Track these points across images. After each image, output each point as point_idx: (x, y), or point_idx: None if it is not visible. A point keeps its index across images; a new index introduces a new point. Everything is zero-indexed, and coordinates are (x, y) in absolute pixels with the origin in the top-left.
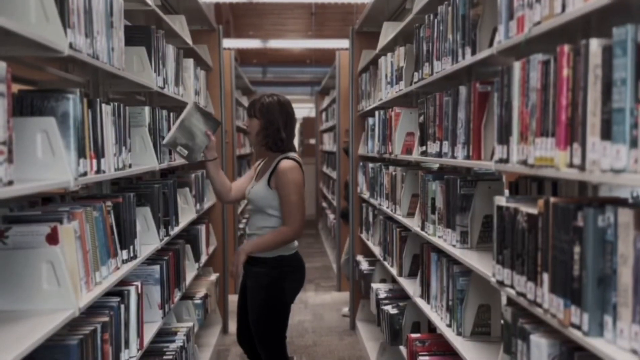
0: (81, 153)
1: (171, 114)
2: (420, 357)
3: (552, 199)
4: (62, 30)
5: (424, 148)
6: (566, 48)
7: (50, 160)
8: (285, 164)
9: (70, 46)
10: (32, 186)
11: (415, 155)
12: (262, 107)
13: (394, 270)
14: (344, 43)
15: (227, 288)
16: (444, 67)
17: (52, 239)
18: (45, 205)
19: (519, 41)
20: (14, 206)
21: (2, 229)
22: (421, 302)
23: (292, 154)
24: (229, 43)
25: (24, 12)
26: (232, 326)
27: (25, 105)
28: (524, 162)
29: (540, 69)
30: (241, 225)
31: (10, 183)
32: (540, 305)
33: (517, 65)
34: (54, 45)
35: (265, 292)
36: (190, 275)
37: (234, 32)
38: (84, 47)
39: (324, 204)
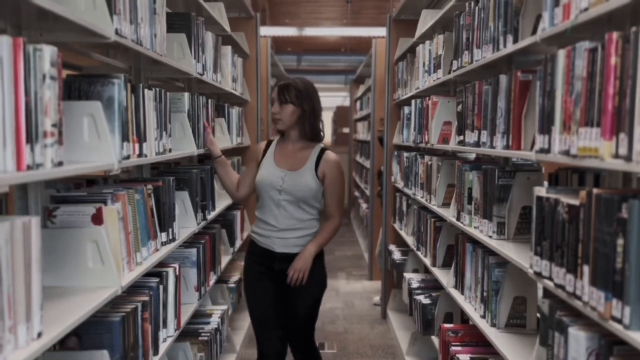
0: (125, 137)
1: (209, 101)
2: (453, 347)
3: (595, 190)
4: (109, 17)
5: (461, 137)
6: (615, 35)
7: (96, 143)
8: (334, 155)
9: (116, 32)
10: (79, 167)
11: (452, 145)
12: (300, 92)
13: (427, 260)
14: (380, 31)
15: None
16: (484, 55)
17: (97, 219)
18: (90, 187)
19: (564, 28)
20: (60, 187)
21: (50, 209)
22: (455, 293)
23: (324, 145)
24: (265, 31)
25: None
26: None
27: (73, 90)
28: (567, 153)
29: (586, 57)
30: None
31: (60, 164)
32: (579, 298)
33: (561, 53)
34: (101, 31)
35: (317, 285)
36: (225, 259)
37: (270, 20)
38: (129, 33)
39: (357, 193)
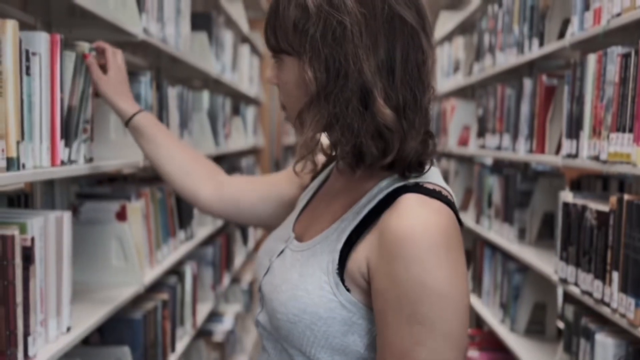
0: None
1: (226, 100)
2: (470, 353)
3: (626, 196)
4: (138, 15)
5: (481, 141)
6: None
7: (122, 139)
8: (414, 214)
9: (144, 31)
10: (110, 164)
11: (472, 148)
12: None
13: None
14: None
15: None
16: (508, 58)
17: (121, 216)
18: (111, 184)
19: (594, 33)
20: (84, 183)
21: (75, 205)
22: (472, 298)
23: (432, 174)
24: None
25: None
26: None
27: None
28: (596, 158)
29: (619, 62)
30: None
31: (90, 160)
32: (608, 305)
33: (592, 58)
34: (130, 29)
35: None
36: (239, 259)
37: None
38: (155, 32)
39: None
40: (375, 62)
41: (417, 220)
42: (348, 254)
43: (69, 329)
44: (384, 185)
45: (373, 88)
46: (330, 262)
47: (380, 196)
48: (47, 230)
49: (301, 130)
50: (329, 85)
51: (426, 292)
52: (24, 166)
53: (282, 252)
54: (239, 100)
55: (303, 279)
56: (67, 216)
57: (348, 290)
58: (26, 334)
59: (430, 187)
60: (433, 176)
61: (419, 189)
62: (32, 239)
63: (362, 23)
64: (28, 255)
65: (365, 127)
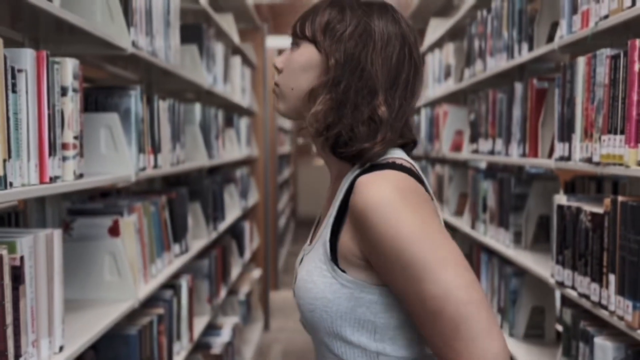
0: (141, 148)
1: (218, 112)
2: None
3: (620, 198)
4: (126, 29)
5: (474, 146)
6: (638, 42)
7: (113, 154)
8: (374, 182)
9: (133, 44)
10: (100, 179)
11: (465, 153)
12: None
13: None
14: None
15: (269, 285)
16: (498, 63)
17: (114, 231)
18: (103, 199)
19: (583, 36)
20: (75, 199)
21: (67, 221)
22: None
23: (394, 154)
24: (272, 42)
25: (91, 10)
26: (274, 323)
27: (90, 102)
28: (589, 160)
29: (608, 64)
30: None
31: (80, 176)
32: (605, 307)
33: (581, 61)
34: (119, 43)
35: None
36: (235, 271)
37: (274, 31)
38: (145, 45)
39: None
40: (386, 75)
41: (368, 192)
42: (336, 241)
43: (61, 348)
44: (349, 176)
45: (379, 89)
46: (324, 252)
47: (346, 186)
48: (37, 248)
49: (308, 106)
50: (344, 74)
51: (402, 241)
52: (11, 184)
53: (302, 259)
54: (232, 112)
55: (310, 273)
56: (57, 234)
57: (344, 271)
58: (17, 355)
59: (383, 162)
60: (391, 155)
61: (372, 168)
62: (22, 258)
63: (384, 39)
64: (17, 275)
65: (364, 114)
